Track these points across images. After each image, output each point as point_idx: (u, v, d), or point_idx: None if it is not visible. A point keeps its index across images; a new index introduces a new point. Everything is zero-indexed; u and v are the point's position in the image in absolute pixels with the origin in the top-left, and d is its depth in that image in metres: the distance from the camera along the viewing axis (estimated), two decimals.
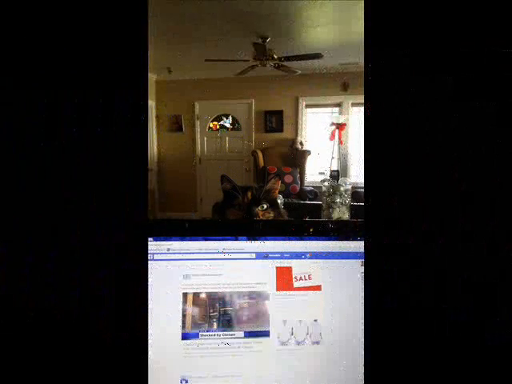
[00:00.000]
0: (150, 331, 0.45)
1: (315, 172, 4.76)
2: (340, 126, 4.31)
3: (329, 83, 4.54)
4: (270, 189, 0.81)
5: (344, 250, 0.51)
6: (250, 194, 0.79)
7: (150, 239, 0.49)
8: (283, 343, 0.48)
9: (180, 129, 5.00)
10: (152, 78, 4.82)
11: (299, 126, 4.75)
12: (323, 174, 4.55)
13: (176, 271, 0.49)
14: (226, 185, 0.82)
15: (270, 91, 4.74)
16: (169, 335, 0.48)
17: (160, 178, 5.15)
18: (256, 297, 0.49)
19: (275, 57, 3.15)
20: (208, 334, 0.48)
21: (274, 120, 4.81)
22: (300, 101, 4.69)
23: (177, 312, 0.48)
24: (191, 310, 0.48)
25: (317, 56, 2.96)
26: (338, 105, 4.64)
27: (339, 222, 0.53)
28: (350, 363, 0.48)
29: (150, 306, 0.46)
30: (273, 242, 0.50)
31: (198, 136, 5.02)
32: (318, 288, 0.50)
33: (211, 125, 5.03)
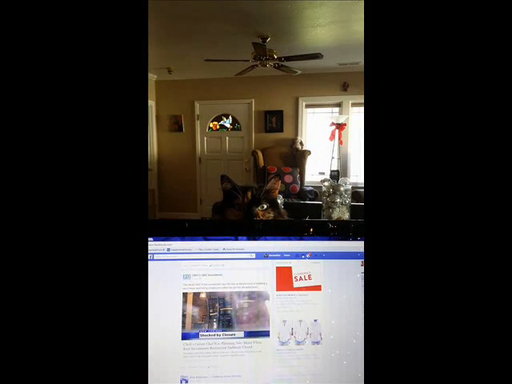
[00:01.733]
0: (150, 331, 0.45)
1: (315, 172, 4.77)
2: (340, 126, 4.32)
3: (329, 83, 4.55)
4: (269, 189, 0.81)
5: (344, 250, 0.51)
6: (249, 194, 0.79)
7: (150, 239, 0.49)
8: (283, 343, 0.48)
9: (180, 129, 5.01)
10: (152, 78, 4.82)
11: (299, 126, 4.76)
12: (323, 174, 4.57)
13: (176, 271, 0.49)
14: (226, 185, 0.82)
15: (270, 91, 4.75)
16: (169, 335, 0.48)
17: (160, 178, 5.16)
18: (256, 297, 0.49)
19: (275, 57, 3.15)
20: (208, 334, 0.48)
21: (274, 120, 4.82)
22: (300, 101, 4.70)
23: (177, 312, 0.48)
24: (191, 310, 0.48)
25: (317, 56, 2.96)
26: (338, 105, 4.64)
27: (339, 222, 0.53)
28: (350, 363, 0.48)
29: (150, 306, 0.46)
30: (273, 241, 0.50)
31: (198, 136, 5.02)
32: (318, 288, 0.50)
33: (211, 125, 5.03)
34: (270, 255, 0.50)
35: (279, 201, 1.01)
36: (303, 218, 1.65)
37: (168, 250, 0.49)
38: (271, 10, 2.47)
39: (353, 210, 1.63)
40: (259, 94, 4.78)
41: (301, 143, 4.66)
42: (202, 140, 5.05)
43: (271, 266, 0.50)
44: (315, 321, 0.49)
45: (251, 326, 0.49)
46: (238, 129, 4.97)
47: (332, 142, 4.44)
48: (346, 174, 4.53)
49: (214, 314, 0.48)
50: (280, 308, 0.49)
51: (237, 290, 0.49)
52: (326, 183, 1.62)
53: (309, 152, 4.57)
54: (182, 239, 0.49)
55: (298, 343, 0.48)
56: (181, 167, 5.09)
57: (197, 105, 4.95)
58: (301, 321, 0.49)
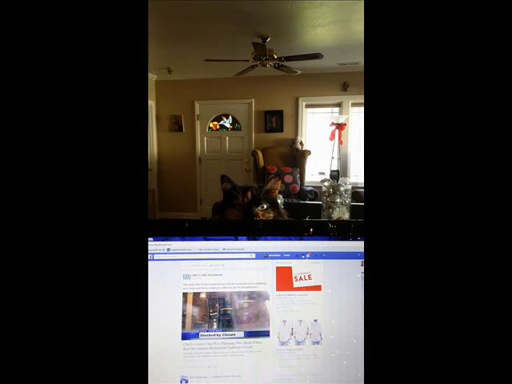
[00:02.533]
0: (150, 331, 0.45)
1: (315, 172, 4.77)
2: (340, 126, 4.32)
3: (329, 83, 4.55)
4: (269, 189, 0.81)
5: (344, 250, 0.51)
6: (249, 194, 0.79)
7: (150, 239, 0.49)
8: (283, 343, 0.48)
9: (180, 129, 5.01)
10: (152, 78, 4.82)
11: (299, 126, 4.76)
12: (323, 174, 4.57)
13: (176, 271, 0.49)
14: (226, 185, 0.82)
15: (270, 91, 4.75)
16: (169, 335, 0.48)
17: (160, 178, 5.16)
18: (256, 297, 0.49)
19: (275, 57, 3.15)
20: (208, 333, 0.48)
21: (274, 120, 4.81)
22: (300, 101, 4.70)
23: (177, 312, 0.48)
24: (191, 310, 0.48)
25: (317, 56, 2.96)
26: (338, 105, 4.64)
27: (339, 222, 0.53)
28: (350, 363, 0.48)
29: (150, 306, 0.46)
30: (273, 241, 0.50)
31: (198, 136, 5.02)
32: (318, 288, 0.50)
33: (211, 125, 5.03)
34: (270, 255, 0.50)
35: (279, 201, 1.01)
36: (303, 217, 1.65)
37: (168, 250, 0.49)
38: (271, 9, 2.47)
39: (353, 210, 1.63)
40: (259, 93, 4.78)
41: (301, 143, 4.65)
42: (202, 140, 5.05)
43: (271, 266, 0.50)
44: (315, 321, 0.49)
45: (251, 325, 0.49)
46: (238, 129, 4.97)
47: (332, 141, 4.44)
48: (346, 174, 4.53)
49: (214, 313, 0.48)
50: (280, 308, 0.49)
51: (237, 290, 0.49)
52: (326, 183, 1.62)
53: (309, 152, 4.57)
54: (182, 239, 0.49)
55: (298, 343, 0.49)
56: (181, 167, 5.09)
57: (197, 105, 4.95)
58: (301, 321, 0.49)
